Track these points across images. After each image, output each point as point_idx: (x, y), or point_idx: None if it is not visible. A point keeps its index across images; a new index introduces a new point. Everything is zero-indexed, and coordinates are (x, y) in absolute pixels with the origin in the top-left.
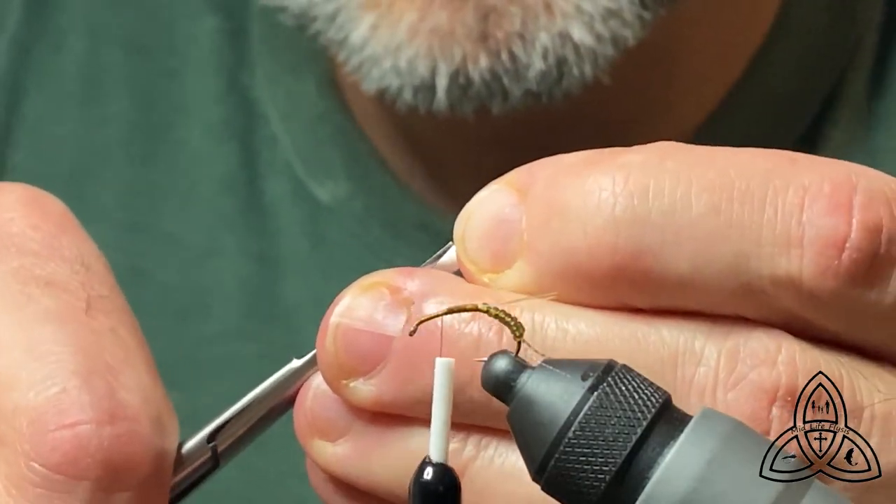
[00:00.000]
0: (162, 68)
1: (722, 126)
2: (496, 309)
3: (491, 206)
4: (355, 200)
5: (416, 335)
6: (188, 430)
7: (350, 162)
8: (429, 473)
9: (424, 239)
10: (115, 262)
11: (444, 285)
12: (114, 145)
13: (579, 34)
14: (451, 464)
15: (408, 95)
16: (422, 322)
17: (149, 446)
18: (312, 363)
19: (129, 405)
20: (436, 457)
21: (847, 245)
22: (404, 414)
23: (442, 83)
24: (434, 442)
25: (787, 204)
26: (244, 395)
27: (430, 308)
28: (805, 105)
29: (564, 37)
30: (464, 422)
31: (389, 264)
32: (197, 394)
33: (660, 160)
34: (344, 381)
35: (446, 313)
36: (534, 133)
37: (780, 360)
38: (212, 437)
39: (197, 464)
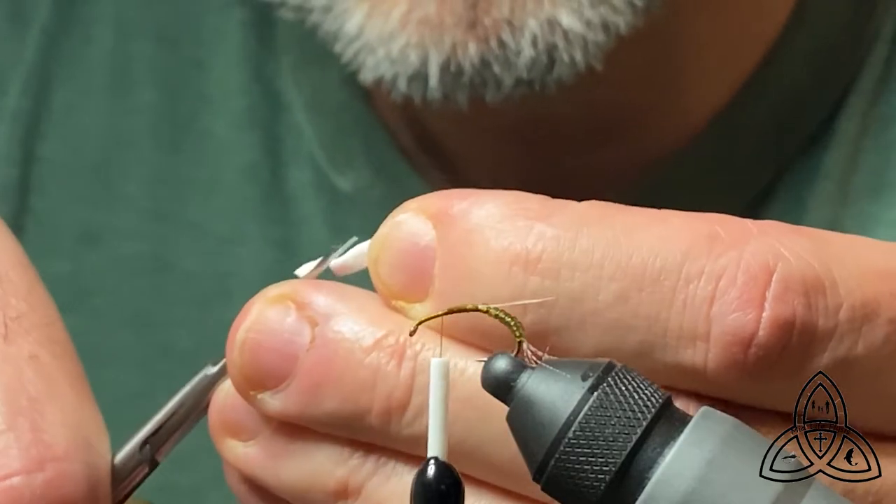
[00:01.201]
0: (189, 59)
1: (735, 118)
2: (496, 309)
3: (406, 234)
4: (375, 190)
5: (323, 352)
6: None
7: (371, 152)
8: (431, 472)
9: None
10: (141, 250)
11: (352, 302)
12: (140, 135)
13: (568, 20)
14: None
15: (402, 84)
16: (422, 322)
17: (82, 481)
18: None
19: (57, 443)
20: (437, 455)
21: (754, 342)
22: (311, 428)
23: (434, 72)
24: (433, 441)
25: (697, 297)
26: None
27: (338, 326)
28: (820, 98)
29: (553, 23)
30: (363, 440)
31: None
32: None
33: (575, 236)
34: (252, 392)
35: (446, 313)
36: (542, 125)
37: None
38: (143, 444)
39: (134, 472)
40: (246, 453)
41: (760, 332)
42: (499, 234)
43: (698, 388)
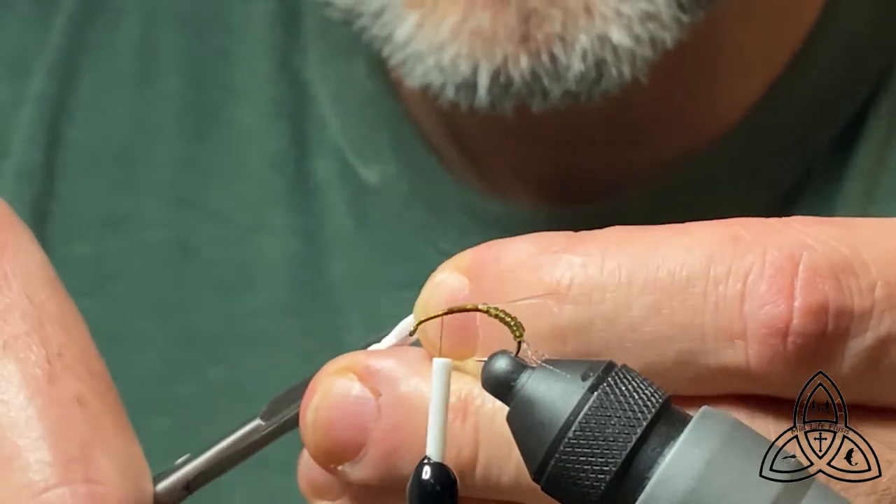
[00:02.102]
0: (215, 48)
1: (763, 119)
2: (496, 309)
3: (444, 292)
4: (401, 182)
5: (392, 419)
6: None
7: (397, 144)
8: (427, 472)
9: (467, 221)
10: (164, 237)
11: (412, 364)
12: (166, 122)
13: (618, 36)
14: None
15: (450, 92)
16: (422, 322)
17: None
18: (281, 429)
19: (111, 495)
20: (434, 456)
21: (790, 331)
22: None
23: (483, 82)
24: (431, 441)
25: (728, 297)
26: (284, 370)
27: (401, 390)
28: (847, 99)
29: (603, 39)
30: None
31: (433, 245)
32: (241, 368)
33: (601, 260)
34: (332, 465)
35: (447, 313)
36: (574, 129)
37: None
38: (185, 484)
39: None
40: None
41: (795, 321)
42: (529, 272)
43: (748, 388)
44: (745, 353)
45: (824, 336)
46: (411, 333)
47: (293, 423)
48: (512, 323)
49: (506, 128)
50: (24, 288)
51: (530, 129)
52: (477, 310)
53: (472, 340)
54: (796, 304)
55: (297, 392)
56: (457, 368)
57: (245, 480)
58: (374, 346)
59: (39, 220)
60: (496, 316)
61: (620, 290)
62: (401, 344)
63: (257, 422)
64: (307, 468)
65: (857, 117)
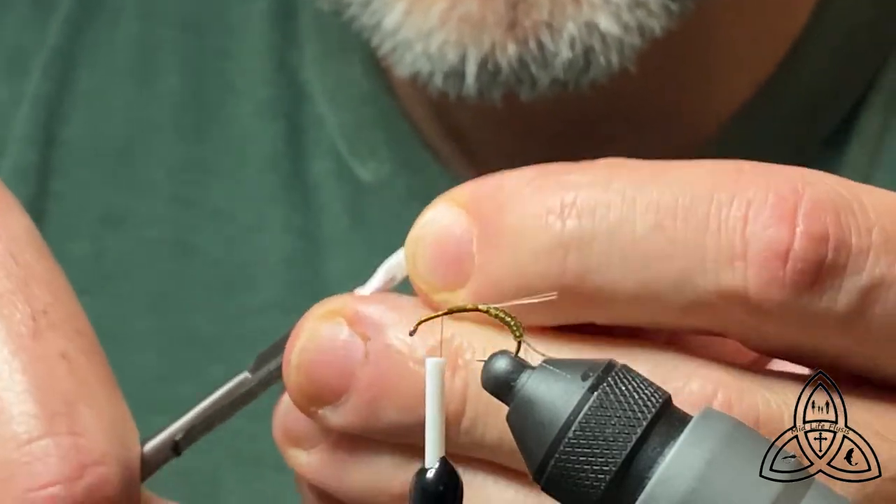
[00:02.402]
0: (213, 47)
1: (758, 114)
2: (496, 309)
3: (440, 225)
4: (397, 180)
5: (378, 365)
6: None
7: (393, 142)
8: (430, 473)
9: None
10: (163, 235)
11: (402, 312)
12: (164, 121)
13: (606, 24)
14: None
15: (438, 80)
16: (422, 322)
17: (119, 483)
18: (267, 380)
19: (95, 447)
20: (433, 457)
21: (791, 255)
22: (373, 438)
23: (471, 69)
24: (430, 443)
25: (731, 218)
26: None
27: (390, 338)
28: (842, 94)
29: (591, 26)
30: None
31: None
32: (240, 365)
33: (606, 180)
34: (312, 409)
35: (447, 313)
36: (568, 124)
37: (717, 403)
38: (173, 441)
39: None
40: (309, 462)
41: (796, 246)
42: (532, 193)
43: (745, 318)
44: (743, 276)
45: (823, 265)
46: (411, 334)
47: (279, 374)
48: (512, 323)
49: (500, 123)
50: (9, 248)
51: (525, 124)
52: (477, 310)
53: (467, 271)
54: (798, 230)
55: (284, 345)
56: (442, 305)
57: (241, 478)
58: (359, 290)
59: (36, 219)
60: (496, 316)
61: (625, 206)
62: (385, 287)
63: (244, 374)
64: (285, 415)
65: (850, 114)
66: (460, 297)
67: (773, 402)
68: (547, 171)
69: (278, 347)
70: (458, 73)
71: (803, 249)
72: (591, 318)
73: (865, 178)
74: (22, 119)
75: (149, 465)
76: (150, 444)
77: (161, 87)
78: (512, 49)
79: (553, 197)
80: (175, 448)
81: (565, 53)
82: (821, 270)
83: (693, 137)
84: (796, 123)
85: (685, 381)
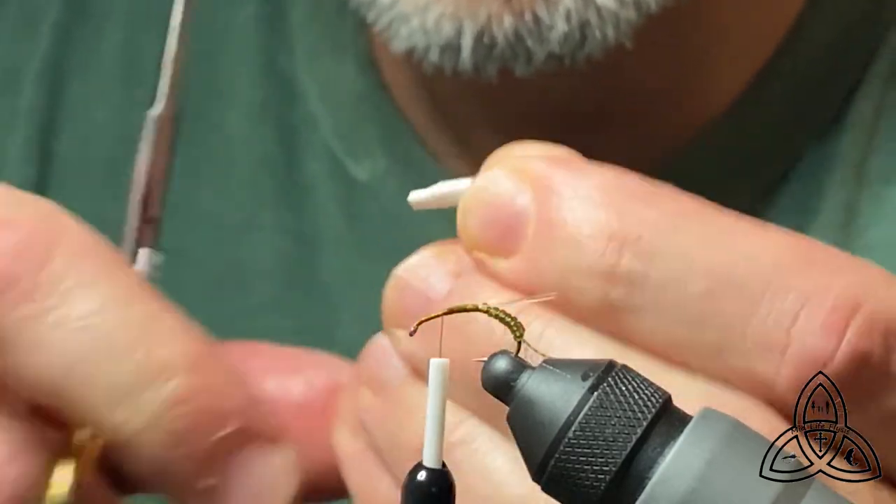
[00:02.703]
0: (200, 52)
1: (752, 103)
2: (496, 309)
3: (503, 192)
4: (392, 178)
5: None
6: None
7: (388, 140)
8: (423, 475)
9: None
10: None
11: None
12: None
13: None
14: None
15: (434, 55)
16: (422, 322)
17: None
18: None
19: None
20: (430, 458)
21: (828, 368)
22: None
23: (467, 43)
24: (428, 443)
25: (783, 309)
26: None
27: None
28: (836, 83)
29: (587, 0)
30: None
31: (427, 241)
32: None
33: (674, 226)
34: (476, 253)
35: (446, 313)
36: (563, 109)
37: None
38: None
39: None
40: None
41: (836, 360)
42: (600, 208)
43: (759, 396)
44: (776, 369)
45: (855, 384)
46: (411, 334)
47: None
48: (512, 323)
49: (499, 113)
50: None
51: (521, 117)
52: (477, 309)
53: (514, 245)
54: (843, 345)
55: None
56: (478, 261)
57: None
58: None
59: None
60: (496, 316)
61: (684, 262)
62: (435, 202)
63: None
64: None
65: (844, 103)
66: (499, 266)
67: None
68: (626, 187)
69: None
70: (453, 47)
71: (840, 366)
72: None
73: (860, 167)
74: (18, 136)
75: None
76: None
77: (148, 93)
78: (508, 22)
79: (621, 223)
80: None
81: (561, 27)
82: (851, 387)
83: (689, 124)
84: (790, 114)
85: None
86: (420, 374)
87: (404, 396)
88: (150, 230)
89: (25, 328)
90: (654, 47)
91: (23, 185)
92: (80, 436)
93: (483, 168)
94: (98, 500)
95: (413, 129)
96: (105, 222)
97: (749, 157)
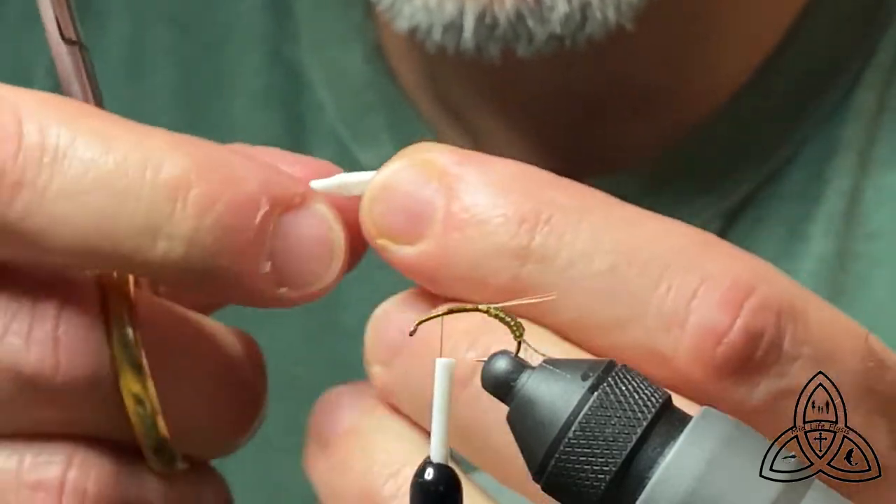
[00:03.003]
0: (204, 43)
1: (756, 93)
2: (496, 309)
3: (409, 182)
4: None
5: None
6: None
7: (395, 127)
8: (429, 474)
9: None
10: None
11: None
12: (158, 118)
13: None
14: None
15: (436, 34)
16: (422, 322)
17: None
18: None
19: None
20: (436, 456)
21: (724, 341)
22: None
23: (469, 23)
24: (435, 441)
25: (683, 286)
26: (285, 349)
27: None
28: (839, 72)
29: None
30: None
31: None
32: None
33: (583, 209)
34: (380, 241)
35: (446, 313)
36: (566, 98)
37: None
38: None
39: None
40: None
41: (731, 335)
42: (511, 193)
43: (658, 375)
44: (675, 344)
45: (749, 360)
46: (411, 334)
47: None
48: (512, 323)
49: (504, 99)
50: None
51: (528, 100)
52: (476, 310)
53: (420, 232)
54: (738, 321)
55: None
56: (381, 248)
57: (247, 461)
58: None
59: None
60: (496, 316)
61: (592, 241)
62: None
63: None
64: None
65: (847, 92)
66: (403, 252)
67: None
68: (532, 176)
69: None
70: (456, 27)
71: (736, 340)
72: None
73: (863, 156)
74: None
75: None
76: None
77: (153, 85)
78: (509, 2)
79: (532, 205)
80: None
81: (562, 8)
82: (747, 363)
83: (690, 117)
84: (794, 103)
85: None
86: (395, 408)
87: (346, 447)
88: (75, 53)
89: (34, 212)
90: (657, 34)
91: None
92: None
93: (387, 163)
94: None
95: (419, 115)
96: None
97: (752, 144)
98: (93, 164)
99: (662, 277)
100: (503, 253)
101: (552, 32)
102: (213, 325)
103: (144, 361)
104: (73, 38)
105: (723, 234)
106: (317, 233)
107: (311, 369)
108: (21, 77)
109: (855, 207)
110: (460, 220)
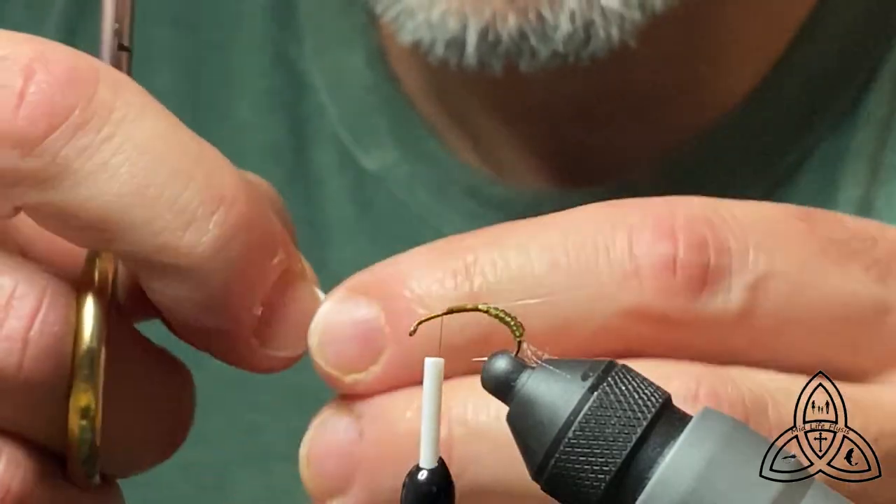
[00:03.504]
0: (208, 42)
1: (765, 98)
2: (496, 309)
3: (346, 313)
4: (402, 168)
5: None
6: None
7: (397, 130)
8: (423, 474)
9: (472, 205)
10: None
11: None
12: None
13: None
14: None
15: (439, 49)
16: (422, 322)
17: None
18: None
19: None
20: (426, 458)
21: (678, 264)
22: None
23: (472, 39)
24: (425, 442)
25: (618, 243)
26: None
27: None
28: (849, 78)
29: (592, 1)
30: None
31: (436, 231)
32: None
33: (498, 237)
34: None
35: (446, 313)
36: (576, 108)
37: (702, 395)
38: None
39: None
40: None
41: (680, 255)
42: (433, 262)
43: (651, 332)
44: (640, 291)
45: (709, 268)
46: (411, 334)
47: None
48: (512, 323)
49: (507, 107)
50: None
51: (531, 107)
52: (476, 310)
53: (377, 350)
54: (679, 242)
55: None
56: (347, 386)
57: (248, 471)
58: None
59: None
60: (496, 316)
61: (521, 253)
62: None
63: None
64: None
65: (857, 97)
66: (372, 373)
67: (754, 388)
68: (440, 243)
69: None
70: (458, 43)
71: (688, 257)
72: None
73: (873, 162)
74: None
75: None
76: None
77: (156, 85)
78: (512, 20)
79: (455, 261)
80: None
81: (565, 27)
82: (707, 273)
83: (698, 123)
84: (804, 107)
85: (665, 380)
86: None
87: None
88: (126, 60)
89: (85, 157)
90: (661, 45)
91: None
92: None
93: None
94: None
95: (422, 120)
96: None
97: (762, 150)
98: (157, 141)
99: (598, 247)
100: (457, 297)
101: (555, 50)
102: (158, 347)
103: (101, 379)
104: (128, 45)
105: None
106: (309, 307)
107: (314, 377)
108: None
109: (865, 216)
110: (400, 314)
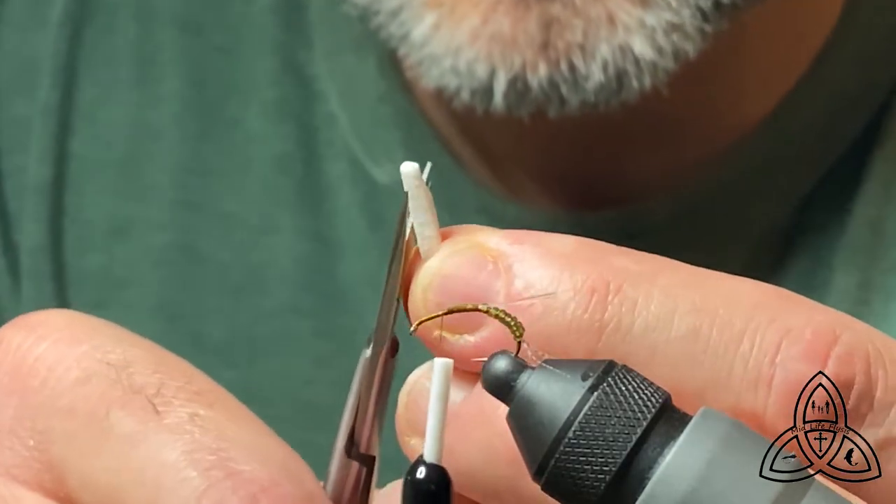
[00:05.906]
0: (215, 47)
1: (784, 122)
2: (496, 309)
3: (466, 266)
4: None
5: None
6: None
7: (409, 143)
8: (421, 472)
9: (484, 222)
10: (170, 241)
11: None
12: (168, 124)
13: (640, 47)
14: None
15: (465, 96)
16: (422, 322)
17: (301, 497)
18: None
19: (259, 475)
20: (430, 455)
21: (814, 395)
22: None
23: (500, 88)
24: (429, 441)
25: (765, 341)
26: (297, 372)
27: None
28: (866, 101)
29: (625, 50)
30: None
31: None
32: (254, 371)
33: (653, 273)
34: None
35: (447, 313)
36: (593, 135)
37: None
38: (348, 449)
39: (352, 475)
40: None
41: (822, 384)
42: (577, 265)
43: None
44: (764, 402)
45: (842, 410)
46: (412, 334)
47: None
48: (512, 323)
49: (523, 131)
50: (118, 359)
51: (548, 133)
52: (477, 309)
53: (479, 322)
54: (828, 371)
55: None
56: (435, 343)
57: None
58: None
59: (55, 238)
60: (496, 316)
61: (667, 303)
62: None
63: (364, 354)
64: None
65: (873, 122)
66: (465, 341)
67: None
68: (593, 246)
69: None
70: (486, 91)
71: (826, 393)
72: None
73: (888, 185)
74: (36, 134)
75: (338, 483)
76: (331, 462)
77: (163, 91)
78: (543, 70)
79: (601, 278)
80: (362, 456)
81: (597, 76)
82: (836, 415)
83: (720, 148)
84: (821, 131)
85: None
86: None
87: None
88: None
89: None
90: (686, 85)
91: (40, 186)
92: None
93: (436, 250)
94: None
95: (435, 133)
96: (121, 219)
97: (780, 174)
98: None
99: (745, 333)
100: (576, 328)
101: (585, 99)
102: None
103: None
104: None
105: (747, 265)
106: None
107: (322, 392)
108: (26, 74)
109: (877, 239)
110: (525, 299)
